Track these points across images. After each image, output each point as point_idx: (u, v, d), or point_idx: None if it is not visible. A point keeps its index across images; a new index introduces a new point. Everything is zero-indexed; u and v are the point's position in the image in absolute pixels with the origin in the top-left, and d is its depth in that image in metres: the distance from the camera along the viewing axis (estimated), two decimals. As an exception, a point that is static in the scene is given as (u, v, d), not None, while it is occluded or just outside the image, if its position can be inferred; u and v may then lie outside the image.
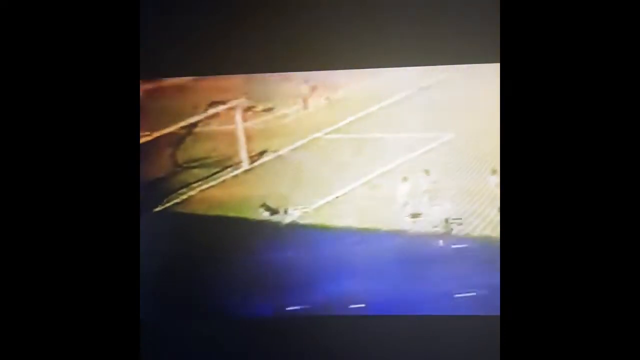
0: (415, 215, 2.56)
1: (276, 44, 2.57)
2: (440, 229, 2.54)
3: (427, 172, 2.54)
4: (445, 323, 2.46)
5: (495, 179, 2.49)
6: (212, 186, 2.69)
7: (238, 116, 2.66)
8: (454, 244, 2.51)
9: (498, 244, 2.32)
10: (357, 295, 2.54)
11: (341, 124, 2.61)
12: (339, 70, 2.58)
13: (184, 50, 2.59)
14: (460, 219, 2.52)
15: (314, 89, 2.63)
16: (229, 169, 2.69)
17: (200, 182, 2.70)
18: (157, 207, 2.67)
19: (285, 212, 2.66)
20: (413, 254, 2.53)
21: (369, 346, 2.50)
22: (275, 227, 2.64)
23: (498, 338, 1.40)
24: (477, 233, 2.51)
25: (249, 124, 2.67)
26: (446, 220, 2.53)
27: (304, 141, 2.64)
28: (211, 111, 2.67)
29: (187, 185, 2.69)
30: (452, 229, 2.53)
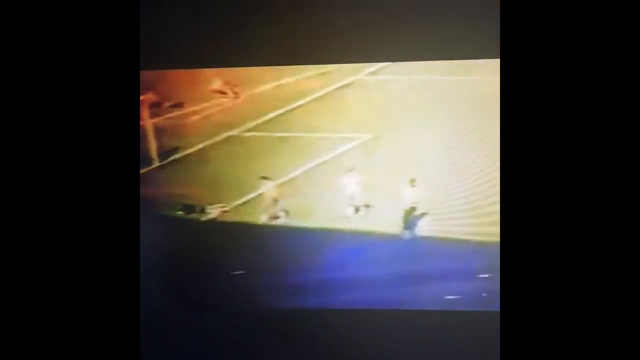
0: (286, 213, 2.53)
1: (190, 39, 2.37)
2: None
3: (351, 170, 2.48)
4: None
5: (412, 188, 2.45)
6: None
7: (145, 112, 2.45)
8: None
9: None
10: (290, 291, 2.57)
11: (257, 121, 2.47)
12: (254, 67, 2.40)
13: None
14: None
15: (226, 85, 2.44)
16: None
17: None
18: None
19: (202, 210, 2.57)
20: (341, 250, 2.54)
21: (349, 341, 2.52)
22: (193, 224, 2.56)
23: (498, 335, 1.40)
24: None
25: (158, 120, 2.48)
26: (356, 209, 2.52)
27: (219, 138, 2.50)
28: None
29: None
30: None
